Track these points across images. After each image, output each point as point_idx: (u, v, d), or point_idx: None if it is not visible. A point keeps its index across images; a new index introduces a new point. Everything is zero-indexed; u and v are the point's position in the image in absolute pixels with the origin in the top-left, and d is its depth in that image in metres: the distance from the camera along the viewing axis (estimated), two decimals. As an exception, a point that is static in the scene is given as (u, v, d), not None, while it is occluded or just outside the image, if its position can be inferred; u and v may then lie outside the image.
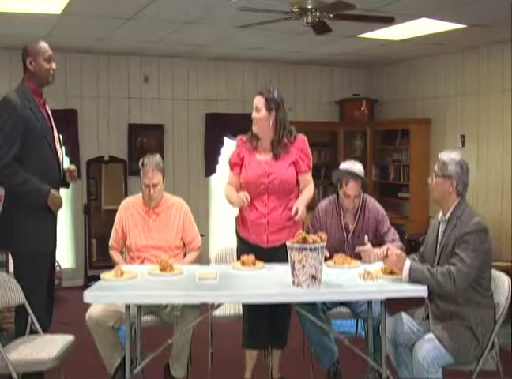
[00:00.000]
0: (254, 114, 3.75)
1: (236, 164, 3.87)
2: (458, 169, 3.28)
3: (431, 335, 3.20)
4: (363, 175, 4.00)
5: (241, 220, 3.85)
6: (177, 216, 4.10)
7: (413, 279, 3.12)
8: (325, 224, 4.01)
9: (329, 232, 3.75)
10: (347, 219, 4.03)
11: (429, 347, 3.14)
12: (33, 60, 3.70)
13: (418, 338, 3.27)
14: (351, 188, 3.91)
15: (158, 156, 4.10)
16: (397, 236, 3.98)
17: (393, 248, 3.39)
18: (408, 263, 3.16)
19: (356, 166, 4.01)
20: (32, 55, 3.70)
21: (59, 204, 3.77)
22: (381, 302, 3.25)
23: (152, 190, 3.99)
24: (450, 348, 3.13)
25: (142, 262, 3.96)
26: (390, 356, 3.45)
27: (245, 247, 3.80)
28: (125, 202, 4.21)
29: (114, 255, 4.12)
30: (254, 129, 3.78)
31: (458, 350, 3.14)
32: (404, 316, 3.46)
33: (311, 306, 3.65)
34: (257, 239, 3.76)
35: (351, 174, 3.93)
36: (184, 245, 4.14)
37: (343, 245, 3.96)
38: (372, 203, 4.08)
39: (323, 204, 4.14)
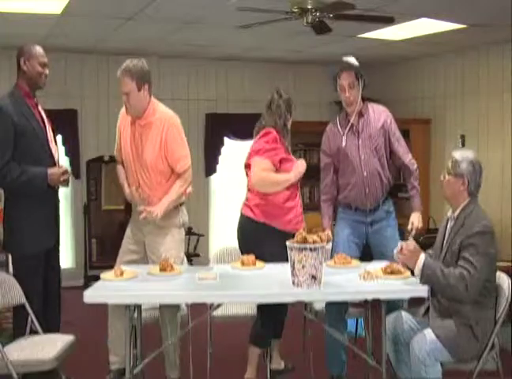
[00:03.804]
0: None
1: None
2: (470, 168, 3.23)
3: (428, 331, 3.19)
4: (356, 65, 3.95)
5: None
6: (158, 134, 3.72)
7: (425, 275, 3.09)
8: (335, 141, 4.03)
9: (340, 145, 3.97)
10: (353, 122, 4.01)
11: (425, 341, 3.13)
12: (27, 60, 3.72)
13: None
14: (344, 77, 3.89)
15: (136, 61, 3.67)
16: (415, 168, 4.25)
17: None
18: (422, 258, 3.12)
19: (348, 58, 3.98)
20: (27, 56, 3.72)
21: (58, 180, 3.76)
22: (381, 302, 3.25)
23: (124, 98, 3.68)
24: (447, 345, 3.12)
25: (139, 186, 3.77)
26: (390, 355, 3.44)
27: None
28: (123, 108, 3.87)
29: (119, 169, 3.94)
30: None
31: (456, 348, 3.13)
32: (404, 314, 3.45)
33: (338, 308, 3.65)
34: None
35: (341, 66, 3.92)
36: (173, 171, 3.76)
37: (358, 151, 3.97)
38: (376, 106, 4.16)
39: (326, 128, 4.15)
